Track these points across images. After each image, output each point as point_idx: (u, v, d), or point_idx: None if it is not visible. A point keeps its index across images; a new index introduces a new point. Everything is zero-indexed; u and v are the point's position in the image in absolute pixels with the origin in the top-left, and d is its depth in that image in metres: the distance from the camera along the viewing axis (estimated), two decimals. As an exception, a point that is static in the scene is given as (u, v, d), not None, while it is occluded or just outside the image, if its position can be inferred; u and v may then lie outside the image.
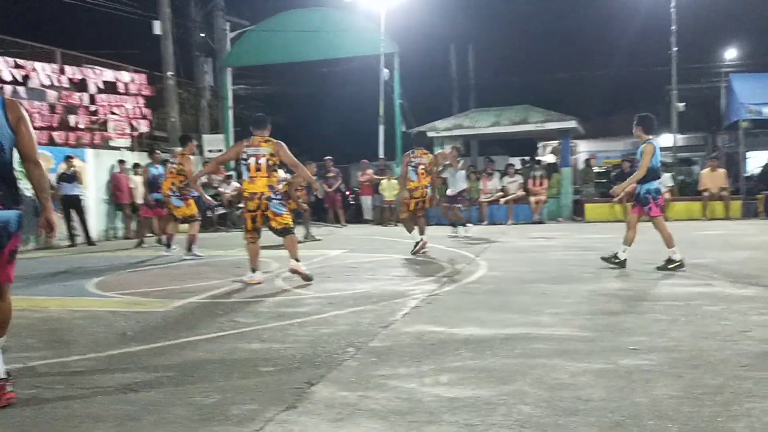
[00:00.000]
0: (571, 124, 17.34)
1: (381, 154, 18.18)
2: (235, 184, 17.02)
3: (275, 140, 7.04)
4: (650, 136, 7.49)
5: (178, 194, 10.11)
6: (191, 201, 10.34)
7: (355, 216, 18.41)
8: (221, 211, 16.95)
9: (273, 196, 6.98)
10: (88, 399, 3.42)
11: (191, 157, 10.20)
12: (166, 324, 5.24)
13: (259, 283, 7.06)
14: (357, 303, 5.81)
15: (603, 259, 7.63)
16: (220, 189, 16.93)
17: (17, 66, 13.45)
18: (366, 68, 19.26)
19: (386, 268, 8.25)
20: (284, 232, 7.09)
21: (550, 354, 3.97)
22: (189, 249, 10.04)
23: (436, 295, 6.15)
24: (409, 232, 9.90)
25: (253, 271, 7.17)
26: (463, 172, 13.48)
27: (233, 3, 20.72)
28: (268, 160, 6.93)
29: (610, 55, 27.11)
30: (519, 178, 16.65)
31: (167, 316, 5.59)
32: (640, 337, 4.29)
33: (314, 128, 28.00)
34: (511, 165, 17.76)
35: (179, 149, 10.54)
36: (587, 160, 18.55)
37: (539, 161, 19.00)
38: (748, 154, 19.10)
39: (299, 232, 9.82)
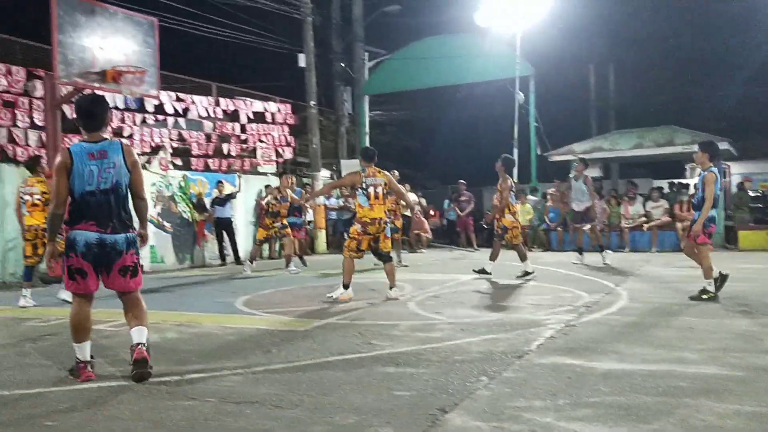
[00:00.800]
0: (723, 145, 16.20)
1: (515, 178, 17.94)
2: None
3: (384, 171, 7.99)
4: (712, 164, 7.27)
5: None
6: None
7: (488, 240, 18.26)
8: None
9: (387, 221, 8.01)
10: (237, 413, 3.69)
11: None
12: (306, 343, 5.52)
13: (348, 300, 7.73)
14: (490, 330, 5.80)
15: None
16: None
17: (178, 99, 14.76)
18: (500, 91, 19.19)
19: (520, 294, 8.14)
20: (388, 257, 8.05)
21: (695, 393, 3.76)
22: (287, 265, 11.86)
23: (573, 325, 5.99)
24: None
25: (346, 287, 7.83)
26: (581, 183, 12.49)
27: (372, 34, 21.53)
28: (383, 189, 7.86)
29: (765, 72, 25.00)
30: (664, 203, 15.77)
31: (308, 335, 5.87)
32: (801, 381, 3.95)
33: (447, 152, 28.18)
34: (656, 189, 16.87)
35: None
36: (741, 184, 17.23)
37: (686, 185, 17.91)
38: None
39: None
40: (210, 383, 4.34)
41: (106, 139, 4.54)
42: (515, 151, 17.90)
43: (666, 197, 16.29)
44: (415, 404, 3.74)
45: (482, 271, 10.30)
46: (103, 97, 4.93)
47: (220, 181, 14.60)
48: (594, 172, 18.79)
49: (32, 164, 8.94)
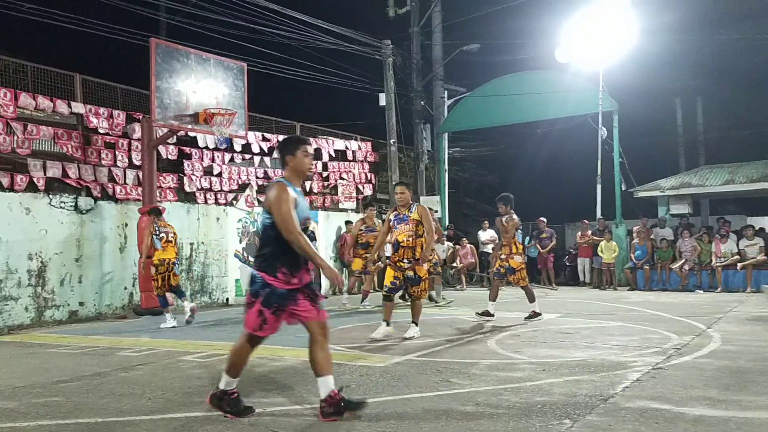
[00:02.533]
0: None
1: (599, 214, 17.53)
2: (447, 244, 17.48)
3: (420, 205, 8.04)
4: None
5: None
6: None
7: (571, 278, 17.83)
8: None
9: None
10: (319, 446, 3.75)
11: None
12: (385, 379, 5.54)
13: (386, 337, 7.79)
14: (573, 372, 5.65)
15: None
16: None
17: (264, 139, 15.34)
18: (582, 127, 18.90)
19: (604, 335, 7.89)
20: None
21: (797, 446, 3.53)
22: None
23: (661, 368, 5.75)
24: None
25: (387, 324, 7.97)
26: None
27: (451, 72, 21.75)
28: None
29: None
30: (760, 241, 14.96)
31: (386, 371, 5.90)
32: None
33: (527, 188, 27.84)
34: (750, 226, 16.04)
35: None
36: None
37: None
38: None
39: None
40: (291, 417, 4.42)
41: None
42: (599, 186, 17.54)
43: (761, 235, 15.45)
44: (495, 445, 3.68)
45: (486, 314, 9.72)
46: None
47: (307, 218, 14.94)
48: (682, 209, 18.13)
49: (158, 211, 10.23)
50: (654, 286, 15.30)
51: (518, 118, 19.21)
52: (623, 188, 17.57)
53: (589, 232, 16.89)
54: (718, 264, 14.84)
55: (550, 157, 26.56)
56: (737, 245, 15.02)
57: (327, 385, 4.26)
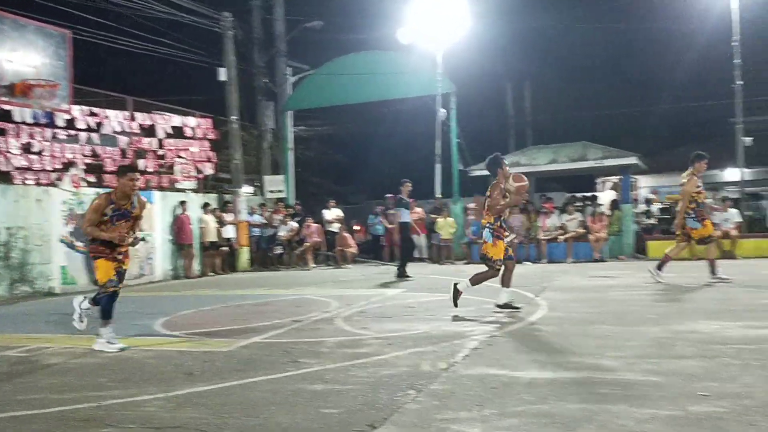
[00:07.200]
0: (632, 160, 17.07)
1: (438, 193, 18.25)
2: (292, 224, 17.37)
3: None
4: None
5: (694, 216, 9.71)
6: (707, 222, 9.94)
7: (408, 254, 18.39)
8: (279, 250, 17.27)
9: None
10: (159, 438, 3.55)
11: None
12: (231, 364, 5.38)
13: None
14: (417, 344, 5.83)
15: None
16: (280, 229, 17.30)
17: (92, 114, 14.19)
18: (424, 107, 19.51)
19: (445, 308, 8.22)
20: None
21: (615, 399, 3.89)
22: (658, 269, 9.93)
23: (496, 336, 6.11)
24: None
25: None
26: None
27: (295, 49, 21.44)
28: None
29: (672, 89, 26.60)
30: (578, 216, 16.41)
31: (232, 356, 5.73)
32: (710, 383, 4.16)
33: (374, 167, 28.37)
34: (570, 202, 17.53)
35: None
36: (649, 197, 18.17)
37: (595, 197, 18.73)
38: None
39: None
40: (129, 409, 4.15)
41: None
42: (438, 166, 18.23)
43: (579, 210, 16.95)
44: (344, 421, 3.70)
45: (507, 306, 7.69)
46: None
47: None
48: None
49: None
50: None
51: (362, 97, 19.41)
52: (461, 168, 18.41)
53: (419, 209, 17.41)
54: (543, 237, 16.08)
55: (395, 136, 27.23)
56: (560, 220, 16.37)
57: None
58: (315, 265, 17.15)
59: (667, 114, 27.49)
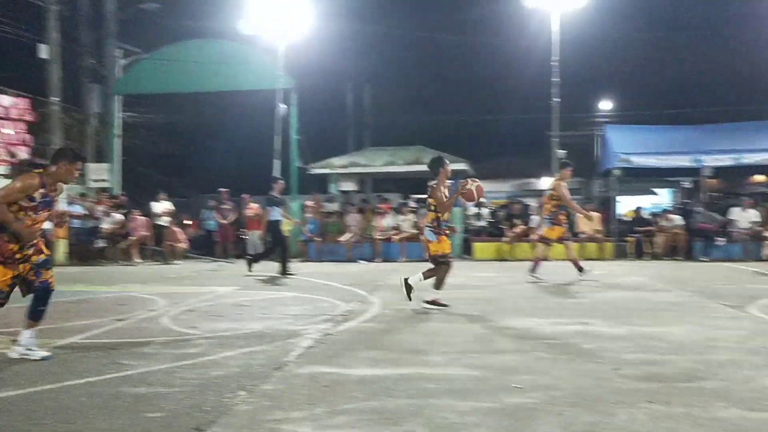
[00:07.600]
0: (462, 165, 18.06)
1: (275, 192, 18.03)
2: (117, 216, 16.30)
3: None
4: None
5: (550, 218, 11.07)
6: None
7: (243, 251, 18.03)
8: (102, 244, 16.14)
9: None
10: (-49, 453, 3.16)
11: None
12: (44, 366, 4.93)
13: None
14: (249, 343, 5.72)
15: None
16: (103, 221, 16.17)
17: None
18: (264, 102, 19.21)
19: (280, 306, 8.17)
20: None
21: (440, 394, 4.08)
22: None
23: (330, 334, 6.16)
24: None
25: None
26: None
27: (127, 30, 20.13)
28: None
29: (500, 101, 28.60)
30: (412, 217, 17.04)
31: (45, 357, 5.24)
32: (524, 376, 4.50)
33: (209, 159, 27.43)
34: (404, 204, 18.16)
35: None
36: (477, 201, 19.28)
37: (426, 200, 19.58)
38: (619, 198, 20.54)
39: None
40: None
41: None
42: (277, 162, 18.04)
43: (413, 211, 17.61)
44: (168, 425, 3.54)
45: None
46: None
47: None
48: (350, 186, 19.70)
49: None
50: (324, 257, 16.38)
51: (198, 86, 18.73)
52: (300, 164, 18.38)
53: (254, 205, 17.11)
54: (378, 237, 16.51)
55: (233, 129, 26.57)
56: (394, 220, 16.90)
57: None
58: (141, 261, 16.20)
59: (492, 124, 29.46)
